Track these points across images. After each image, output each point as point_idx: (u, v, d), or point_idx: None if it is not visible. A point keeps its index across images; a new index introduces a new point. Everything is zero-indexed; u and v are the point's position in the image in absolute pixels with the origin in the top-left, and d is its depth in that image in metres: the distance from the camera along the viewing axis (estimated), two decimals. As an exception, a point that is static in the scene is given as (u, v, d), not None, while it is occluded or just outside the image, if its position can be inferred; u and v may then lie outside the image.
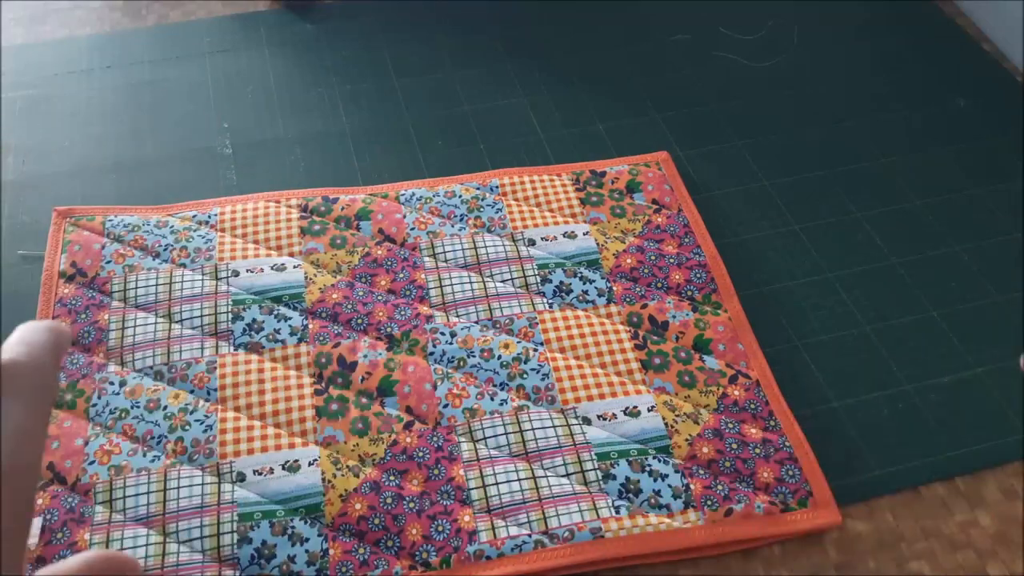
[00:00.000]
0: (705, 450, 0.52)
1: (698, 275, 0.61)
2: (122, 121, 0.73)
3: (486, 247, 0.62)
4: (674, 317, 0.59)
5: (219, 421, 0.52)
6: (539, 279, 0.60)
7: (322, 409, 0.53)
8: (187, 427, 0.52)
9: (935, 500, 0.52)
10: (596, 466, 0.51)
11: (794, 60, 0.81)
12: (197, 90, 0.76)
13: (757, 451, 0.52)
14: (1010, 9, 0.81)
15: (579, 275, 0.61)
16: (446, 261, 0.61)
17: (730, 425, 0.53)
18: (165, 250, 0.61)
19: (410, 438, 0.52)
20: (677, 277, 0.61)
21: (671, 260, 0.62)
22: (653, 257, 0.62)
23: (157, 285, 0.59)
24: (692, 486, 0.50)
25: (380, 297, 0.59)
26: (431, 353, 0.56)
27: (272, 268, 0.60)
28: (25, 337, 0.25)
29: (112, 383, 0.54)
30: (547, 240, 0.63)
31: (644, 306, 0.59)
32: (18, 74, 0.77)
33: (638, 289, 0.60)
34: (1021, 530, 0.51)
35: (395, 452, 0.51)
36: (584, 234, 0.63)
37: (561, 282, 0.60)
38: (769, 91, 0.78)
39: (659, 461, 0.51)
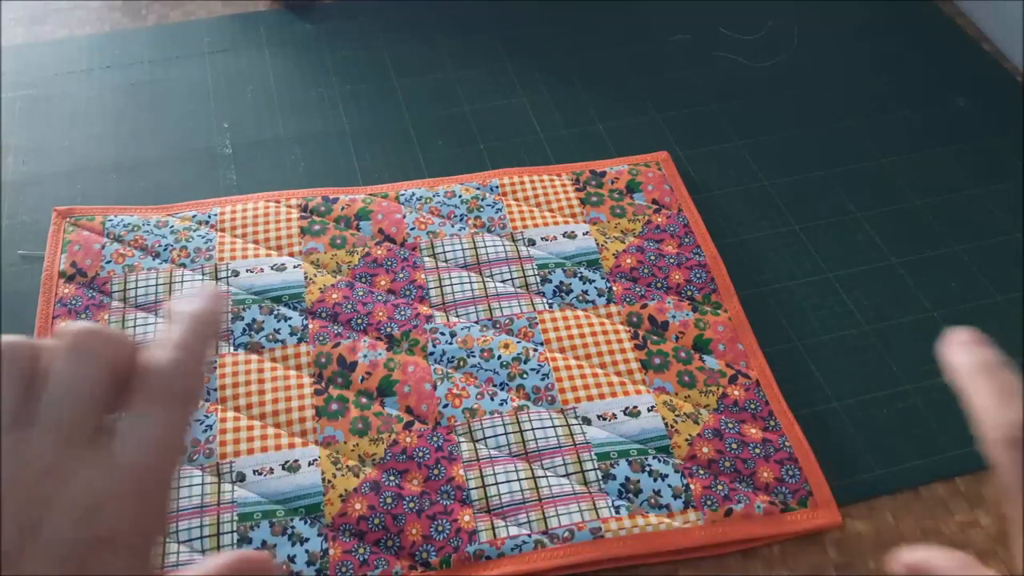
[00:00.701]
0: (705, 450, 0.52)
1: (698, 275, 0.61)
2: (122, 121, 0.73)
3: (486, 247, 0.62)
4: (674, 317, 0.59)
5: (219, 421, 0.52)
6: (539, 279, 0.60)
7: (322, 409, 0.53)
8: (187, 427, 0.52)
9: (935, 500, 0.52)
10: (596, 466, 0.51)
11: (794, 60, 0.81)
12: (197, 90, 0.76)
13: (757, 451, 0.52)
14: (1010, 9, 0.81)
15: (579, 275, 0.61)
16: (446, 261, 0.61)
17: (730, 425, 0.53)
18: (165, 250, 0.61)
19: (410, 438, 0.52)
20: (677, 277, 0.61)
21: (671, 260, 0.62)
22: (653, 257, 0.62)
23: (157, 285, 0.59)
24: (692, 486, 0.50)
25: (380, 297, 0.59)
26: (431, 353, 0.56)
27: (272, 268, 0.60)
28: (179, 336, 0.25)
29: (112, 383, 0.54)
30: (547, 240, 0.63)
31: (644, 306, 0.59)
32: (18, 74, 0.77)
33: (638, 289, 0.60)
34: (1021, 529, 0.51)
35: (395, 452, 0.51)
36: (584, 234, 0.63)
37: (561, 282, 0.60)
38: (769, 91, 0.78)
39: (659, 461, 0.51)
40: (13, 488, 0.21)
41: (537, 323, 0.58)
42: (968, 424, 0.58)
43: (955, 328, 0.30)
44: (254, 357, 0.56)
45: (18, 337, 0.24)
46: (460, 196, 0.65)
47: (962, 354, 0.30)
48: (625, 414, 0.54)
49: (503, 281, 0.60)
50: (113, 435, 0.23)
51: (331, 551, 0.48)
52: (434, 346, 0.56)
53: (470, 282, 0.60)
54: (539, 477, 0.50)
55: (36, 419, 0.22)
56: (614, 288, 0.60)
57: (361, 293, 0.59)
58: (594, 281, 0.61)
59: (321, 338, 0.57)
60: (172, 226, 0.63)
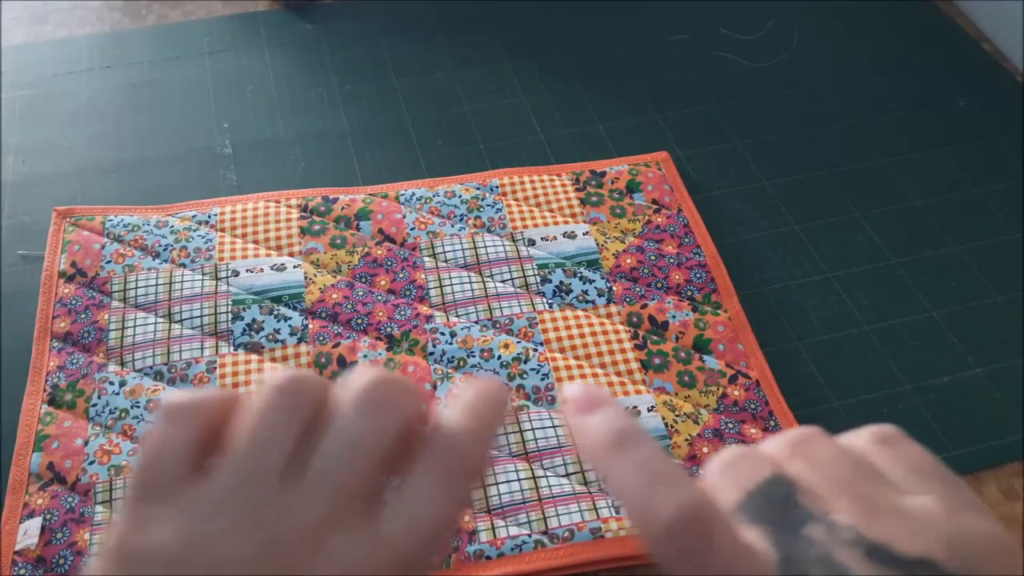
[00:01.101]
0: (705, 450, 0.52)
1: (698, 275, 0.61)
2: (122, 121, 0.73)
3: (486, 247, 0.62)
4: (674, 317, 0.59)
5: (219, 421, 0.52)
6: (539, 279, 0.60)
7: (322, 409, 0.53)
8: (187, 427, 0.52)
9: (935, 500, 0.52)
10: (596, 466, 0.51)
11: (794, 60, 0.81)
12: (197, 90, 0.76)
13: (757, 451, 0.52)
14: (1010, 9, 0.81)
15: (579, 275, 0.61)
16: (446, 261, 0.61)
17: (730, 425, 0.53)
18: (165, 250, 0.61)
19: (410, 438, 0.52)
20: (677, 277, 0.61)
21: (671, 260, 0.62)
22: (653, 257, 0.62)
23: (157, 285, 0.59)
24: (692, 486, 0.50)
25: (380, 297, 0.59)
26: (431, 353, 0.56)
27: (272, 268, 0.60)
28: (472, 403, 0.22)
29: (112, 383, 0.54)
30: (547, 240, 0.63)
31: (644, 306, 0.59)
32: (18, 74, 0.77)
33: (638, 289, 0.60)
34: (1021, 530, 0.51)
35: (395, 452, 0.51)
36: (584, 234, 0.63)
37: (561, 282, 0.60)
38: (769, 91, 0.78)
39: (659, 461, 0.51)
40: (268, 543, 0.19)
41: (537, 323, 0.58)
42: (967, 424, 0.58)
43: (570, 385, 0.23)
44: (254, 357, 0.56)
45: (307, 372, 0.22)
46: (460, 196, 0.65)
47: (589, 420, 0.22)
48: (625, 414, 0.53)
49: (503, 281, 0.60)
50: (384, 506, 0.20)
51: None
52: (434, 346, 0.56)
53: (470, 282, 0.60)
54: (539, 477, 0.50)
55: (309, 471, 0.20)
56: (614, 288, 0.60)
57: (361, 293, 0.59)
58: (594, 281, 0.61)
59: (321, 338, 0.57)
60: (172, 226, 0.63)
